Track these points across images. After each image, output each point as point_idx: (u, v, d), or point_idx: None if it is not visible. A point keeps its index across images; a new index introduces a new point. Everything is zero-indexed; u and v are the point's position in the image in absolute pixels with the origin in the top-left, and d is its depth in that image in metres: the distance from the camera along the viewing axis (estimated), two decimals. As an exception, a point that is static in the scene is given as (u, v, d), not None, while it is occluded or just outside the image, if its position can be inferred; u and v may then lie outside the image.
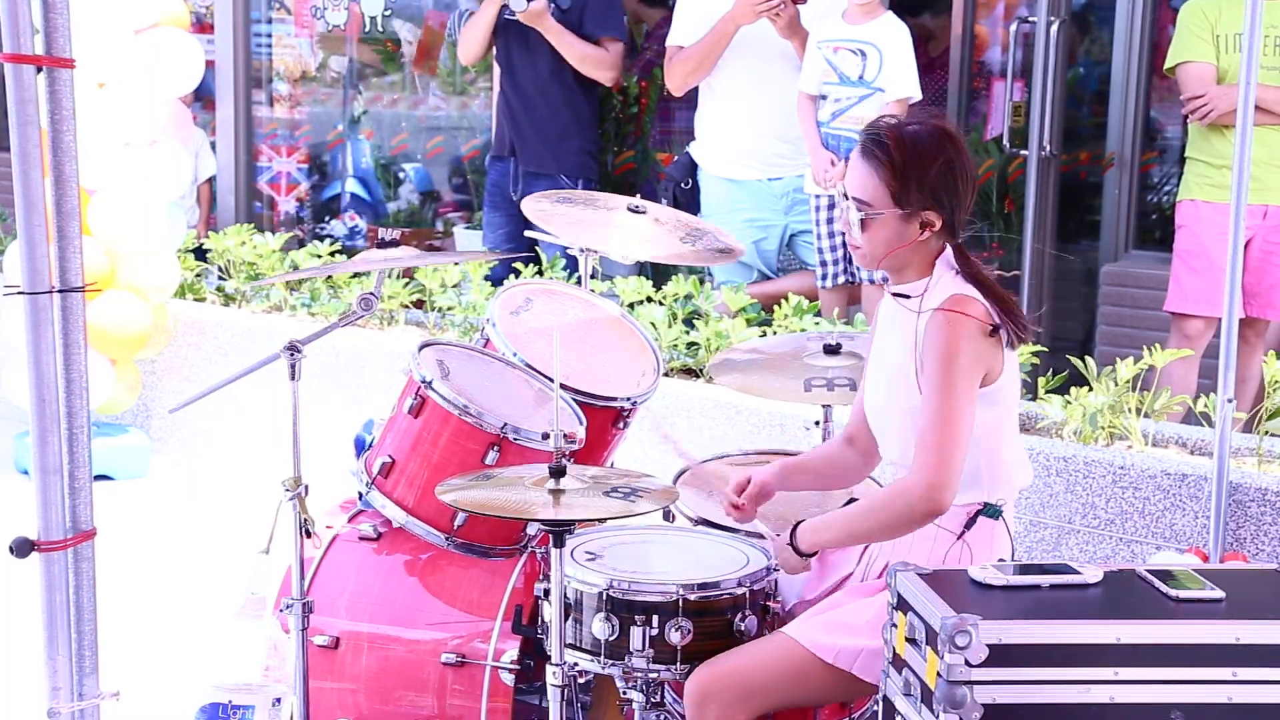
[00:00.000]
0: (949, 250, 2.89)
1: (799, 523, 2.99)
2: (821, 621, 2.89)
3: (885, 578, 2.93)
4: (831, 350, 3.71)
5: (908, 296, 2.91)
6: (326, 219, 8.49)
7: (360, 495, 3.59)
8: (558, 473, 2.85)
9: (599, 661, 2.95)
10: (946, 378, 2.75)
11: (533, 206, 4.10)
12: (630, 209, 4.05)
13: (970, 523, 2.89)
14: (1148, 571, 2.55)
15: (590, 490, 2.86)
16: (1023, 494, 4.40)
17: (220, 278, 6.69)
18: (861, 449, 3.15)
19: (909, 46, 5.46)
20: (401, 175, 8.56)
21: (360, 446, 3.74)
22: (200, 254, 6.76)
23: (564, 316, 3.90)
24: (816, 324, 5.12)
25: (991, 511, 2.89)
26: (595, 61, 6.13)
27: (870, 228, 2.86)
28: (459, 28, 6.79)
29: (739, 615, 2.94)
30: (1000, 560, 2.86)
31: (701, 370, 5.25)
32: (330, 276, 6.31)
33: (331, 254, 6.37)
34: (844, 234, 4.46)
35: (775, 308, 5.28)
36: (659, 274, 6.30)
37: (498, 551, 3.43)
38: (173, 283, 6.15)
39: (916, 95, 5.45)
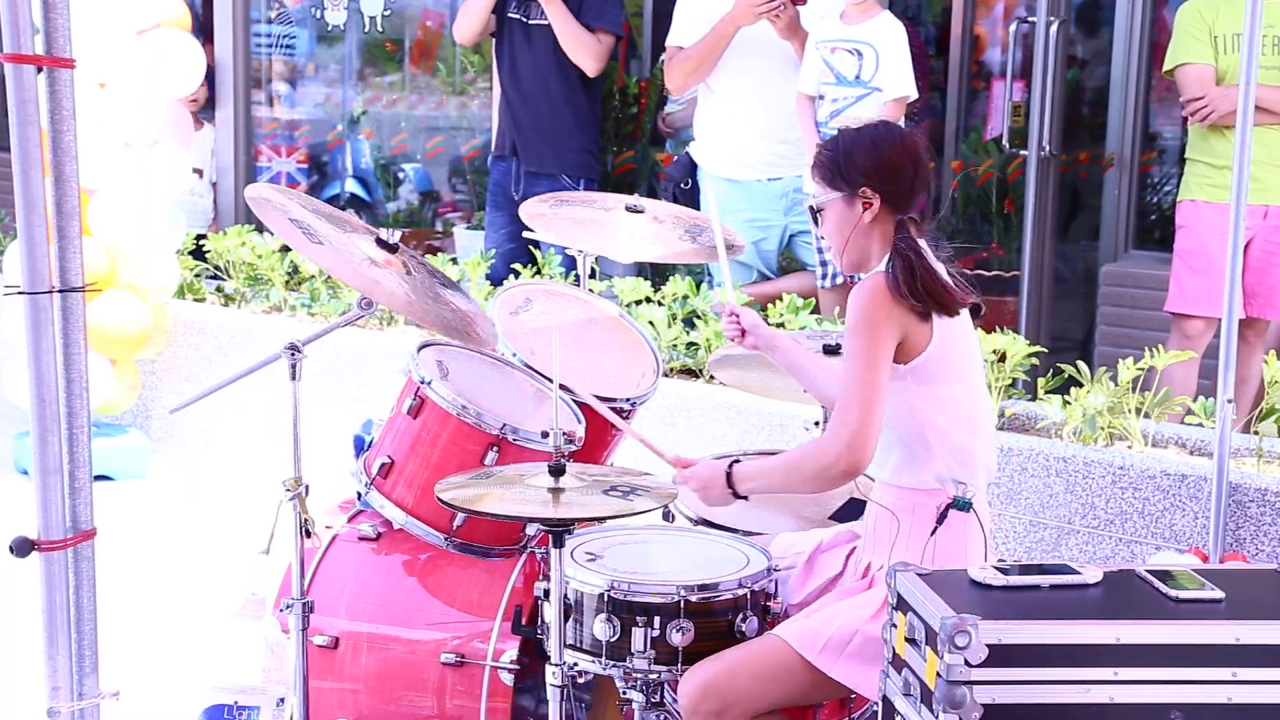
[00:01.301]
0: (893, 244, 2.94)
1: (735, 461, 3.06)
2: (808, 622, 2.91)
3: (872, 579, 2.95)
4: (831, 350, 3.71)
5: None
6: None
7: (359, 495, 3.59)
8: (557, 471, 2.85)
9: (600, 662, 2.95)
10: (853, 342, 2.86)
11: (530, 210, 4.10)
12: (628, 208, 4.05)
13: (941, 518, 2.90)
14: (1147, 572, 2.55)
15: (589, 489, 2.86)
16: (1023, 494, 4.40)
17: (219, 278, 6.69)
18: None
19: (905, 46, 5.46)
20: (401, 175, 8.56)
21: (359, 446, 3.74)
22: (200, 254, 6.76)
23: (563, 317, 3.90)
24: (818, 323, 5.12)
25: (961, 504, 2.91)
26: (584, 47, 6.11)
27: (823, 221, 3.03)
28: None
29: (740, 616, 2.94)
30: (986, 561, 2.87)
31: (701, 370, 5.25)
32: (330, 276, 6.31)
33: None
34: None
35: (770, 306, 5.29)
36: (658, 274, 6.30)
37: (497, 552, 3.43)
38: (173, 283, 6.15)
39: (913, 94, 5.46)
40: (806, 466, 2.91)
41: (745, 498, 3.04)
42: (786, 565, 3.16)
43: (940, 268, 2.94)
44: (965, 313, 2.96)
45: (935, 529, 2.91)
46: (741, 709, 2.87)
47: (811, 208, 3.05)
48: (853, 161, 2.96)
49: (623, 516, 2.88)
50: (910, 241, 2.92)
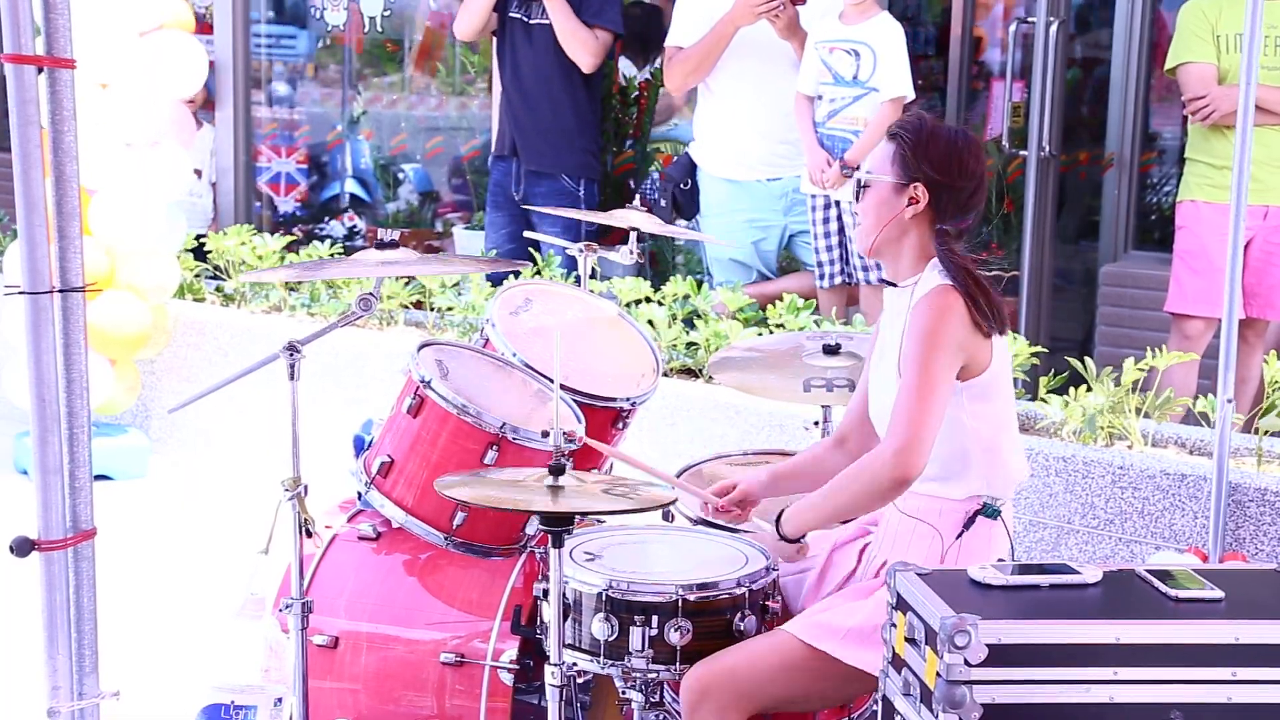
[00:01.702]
0: (938, 255, 2.93)
1: (781, 512, 3.04)
2: (820, 618, 2.90)
3: (884, 577, 2.94)
4: (831, 350, 3.72)
5: (897, 287, 3.00)
6: (326, 219, 8.49)
7: (359, 495, 3.59)
8: (557, 471, 2.85)
9: (598, 662, 2.95)
10: (923, 353, 2.81)
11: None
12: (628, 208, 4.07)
13: (969, 523, 2.90)
14: (1147, 571, 2.55)
15: (589, 490, 2.86)
16: (1022, 494, 4.40)
17: (219, 278, 6.69)
18: (852, 450, 3.16)
19: (903, 46, 5.47)
20: (401, 175, 8.56)
21: (359, 446, 3.74)
22: (200, 254, 6.77)
23: (563, 317, 3.90)
24: (817, 323, 5.12)
25: (990, 511, 2.90)
26: (581, 42, 6.11)
27: (866, 195, 2.99)
28: None
29: (738, 615, 2.94)
30: (999, 560, 2.87)
31: (701, 370, 5.25)
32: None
33: (331, 255, 6.37)
34: (841, 234, 4.50)
35: (770, 306, 5.29)
36: (658, 274, 6.31)
37: (497, 551, 3.43)
38: (172, 283, 6.16)
39: (910, 95, 5.46)
40: (856, 486, 2.87)
41: (800, 539, 3.03)
42: (803, 567, 3.15)
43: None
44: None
45: (962, 533, 2.91)
46: (744, 707, 2.86)
47: (859, 180, 3.01)
48: (922, 154, 2.92)
49: (623, 513, 2.88)
50: (965, 260, 2.89)
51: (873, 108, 5.40)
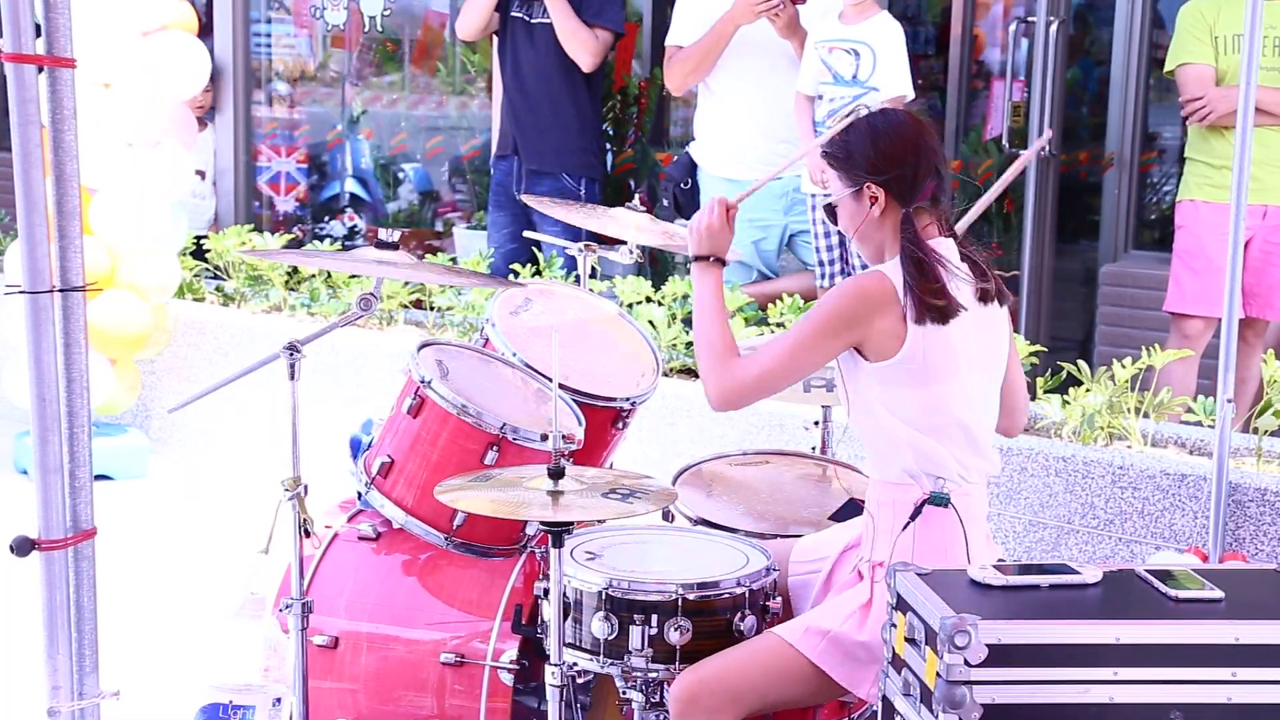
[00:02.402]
0: (900, 238, 2.94)
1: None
2: (806, 620, 2.92)
3: (859, 573, 2.95)
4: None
5: None
6: (326, 219, 8.49)
7: (359, 495, 3.59)
8: (556, 474, 2.85)
9: (598, 661, 2.95)
10: (809, 322, 2.92)
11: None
12: (627, 206, 4.06)
13: (916, 512, 2.90)
14: (1147, 571, 2.55)
15: (589, 491, 2.86)
16: (1022, 494, 4.40)
17: (219, 278, 6.70)
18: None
19: (903, 46, 5.47)
20: (401, 175, 8.56)
21: (355, 447, 3.74)
22: (199, 254, 6.77)
23: (563, 316, 3.90)
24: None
25: (937, 499, 2.90)
26: (581, 42, 6.11)
27: (838, 215, 3.06)
28: None
29: (738, 615, 2.95)
30: (1000, 561, 2.87)
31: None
32: (330, 276, 6.32)
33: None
34: (841, 234, 4.44)
35: (771, 305, 5.29)
36: (658, 274, 6.31)
37: (497, 551, 3.43)
38: (173, 283, 6.16)
39: (910, 94, 5.46)
40: (709, 359, 3.02)
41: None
42: (811, 569, 3.15)
43: (953, 264, 2.92)
44: (976, 310, 2.93)
45: (908, 523, 2.90)
46: (733, 711, 2.86)
47: (826, 206, 3.06)
48: (853, 156, 2.97)
49: (623, 518, 2.88)
50: (921, 243, 2.90)
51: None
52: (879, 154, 2.94)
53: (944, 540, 2.91)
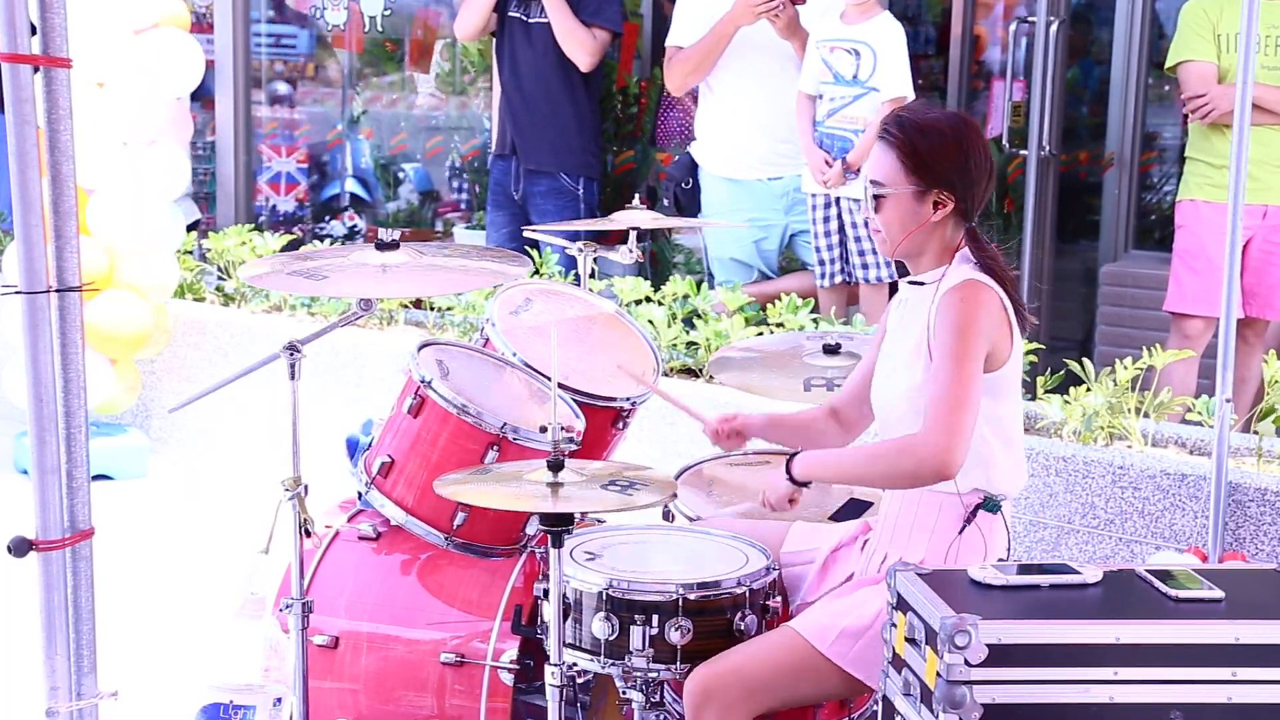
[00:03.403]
0: (966, 246, 2.93)
1: (795, 453, 3.05)
2: (821, 614, 2.90)
3: (885, 575, 2.94)
4: (831, 350, 3.72)
5: (922, 284, 2.96)
6: (326, 219, 8.49)
7: (359, 495, 3.59)
8: (555, 466, 2.85)
9: (598, 661, 2.95)
10: (959, 346, 2.79)
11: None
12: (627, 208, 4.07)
13: (971, 516, 2.89)
14: (1147, 571, 2.55)
15: (588, 484, 2.86)
16: (1023, 494, 4.40)
17: (220, 278, 6.69)
18: (843, 422, 3.23)
19: (904, 46, 5.47)
20: (401, 175, 8.56)
21: (352, 447, 3.74)
22: (200, 254, 6.77)
23: (563, 316, 3.90)
24: (815, 324, 5.12)
25: (991, 505, 2.90)
26: (578, 41, 6.11)
27: (884, 208, 2.93)
28: None
29: (739, 614, 2.94)
30: (1000, 560, 2.87)
31: (701, 370, 5.25)
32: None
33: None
34: (841, 233, 4.47)
35: (770, 305, 5.28)
36: (658, 274, 6.30)
37: (497, 551, 3.43)
38: (172, 282, 6.16)
39: (910, 95, 5.46)
40: (898, 462, 2.83)
41: (807, 484, 3.04)
42: (805, 560, 3.15)
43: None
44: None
45: (964, 528, 2.90)
46: (750, 705, 2.84)
47: (875, 194, 2.93)
48: (936, 158, 2.89)
49: (622, 511, 2.87)
50: (997, 254, 2.91)
51: (873, 107, 5.40)
52: (964, 159, 2.90)
53: (988, 545, 2.91)
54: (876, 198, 2.93)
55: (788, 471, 3.03)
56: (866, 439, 3.38)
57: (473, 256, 3.50)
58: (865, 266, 5.57)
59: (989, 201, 3.01)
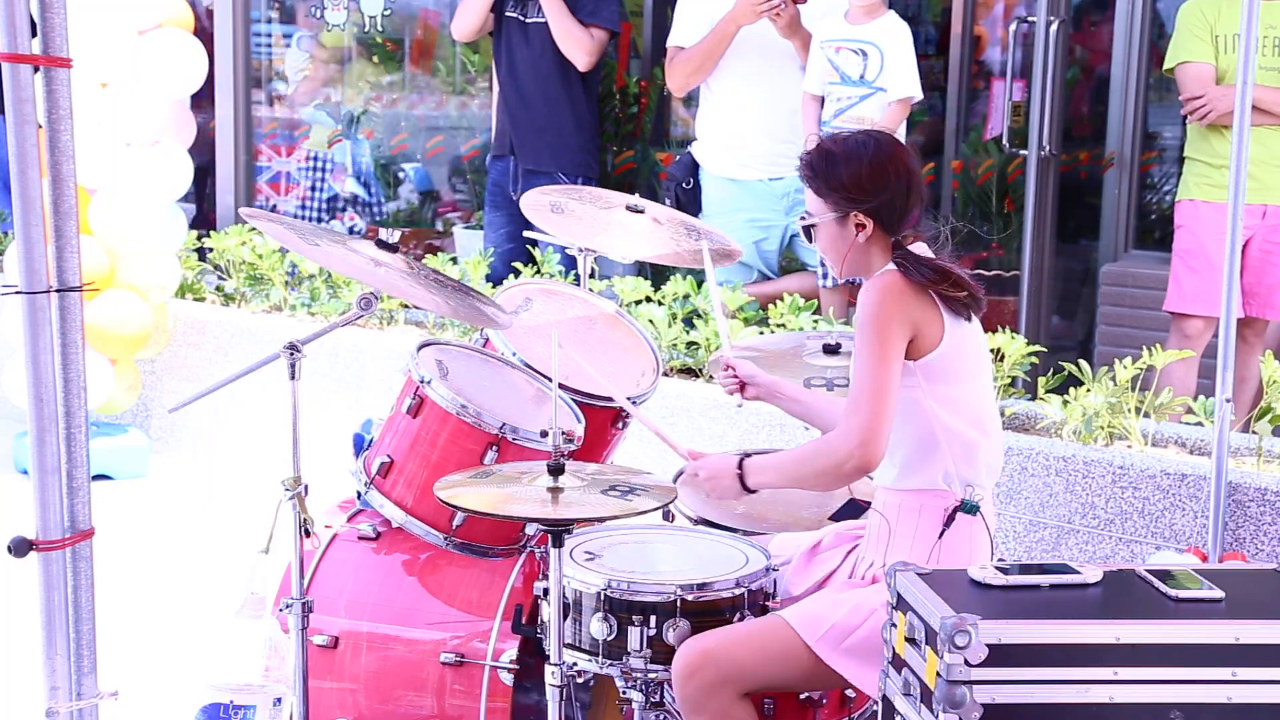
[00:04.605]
0: (895, 263, 2.94)
1: (746, 455, 3.08)
2: (812, 607, 2.92)
3: (876, 578, 2.95)
4: (831, 350, 3.72)
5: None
6: (326, 219, 8.49)
7: (359, 495, 3.59)
8: (556, 471, 2.85)
9: (597, 661, 2.95)
10: (864, 339, 2.85)
11: (531, 202, 4.08)
12: (629, 208, 4.05)
13: (949, 521, 2.90)
14: (1147, 571, 2.55)
15: (588, 488, 2.86)
16: (1023, 494, 4.40)
17: (220, 278, 6.69)
18: None
19: (910, 46, 5.46)
20: (401, 175, 8.56)
21: (359, 445, 3.74)
22: (200, 254, 6.77)
23: (563, 316, 3.90)
24: (815, 323, 5.12)
25: (969, 507, 2.91)
26: (576, 41, 6.11)
27: (816, 236, 3.03)
28: None
29: (737, 615, 2.94)
30: (989, 562, 2.87)
31: (701, 370, 5.25)
32: (330, 276, 6.31)
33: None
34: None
35: (771, 306, 5.28)
36: (658, 274, 6.30)
37: (497, 551, 3.43)
38: (173, 282, 6.16)
39: (918, 95, 5.46)
40: (818, 462, 2.90)
41: (754, 491, 3.04)
42: (783, 560, 3.16)
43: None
44: (975, 316, 2.97)
45: (943, 532, 2.91)
46: (735, 684, 2.86)
47: (805, 225, 3.04)
48: (842, 184, 2.95)
49: (622, 517, 2.87)
50: (928, 261, 2.92)
51: (880, 108, 5.40)
52: (870, 184, 2.93)
53: (970, 547, 2.92)
54: (806, 229, 3.03)
55: (740, 474, 3.04)
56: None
57: (457, 295, 3.47)
58: None
59: (927, 197, 3.03)
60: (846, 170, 2.94)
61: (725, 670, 2.85)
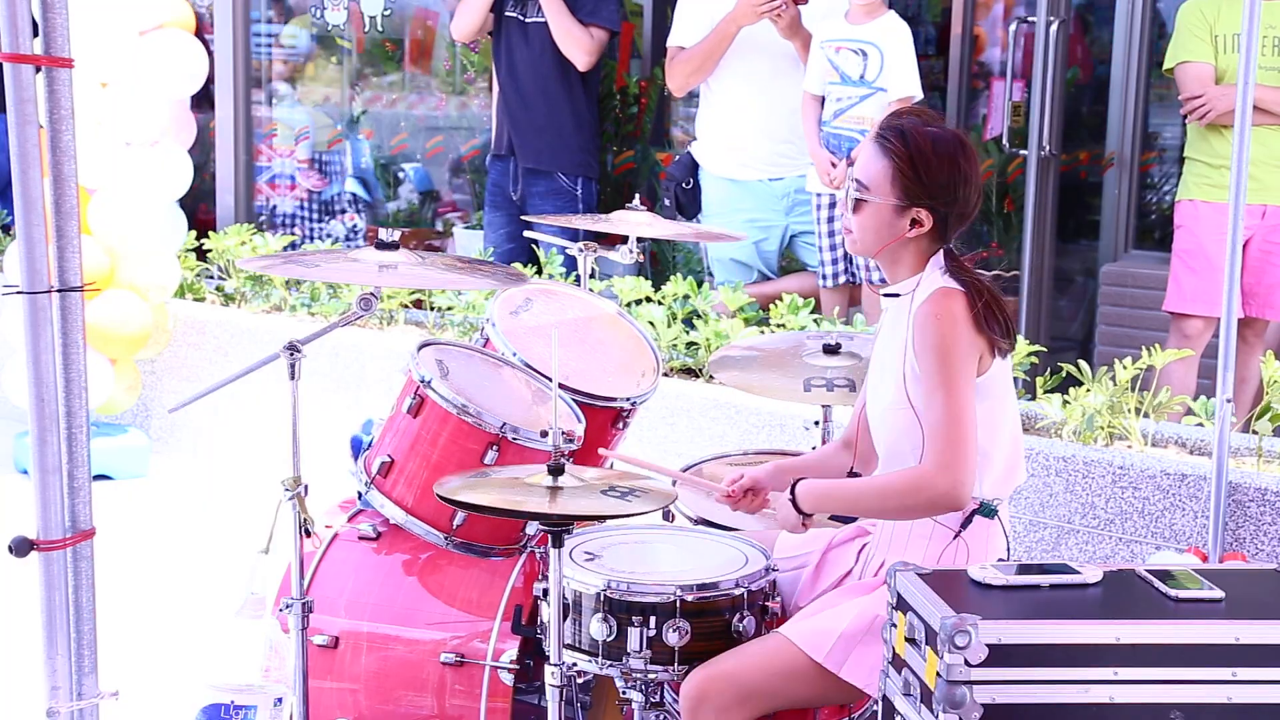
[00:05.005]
0: (948, 272, 2.89)
1: (798, 480, 2.99)
2: (815, 621, 2.90)
3: (884, 578, 2.94)
4: (831, 350, 3.71)
5: (898, 296, 2.94)
6: (326, 219, 8.49)
7: (359, 495, 3.59)
8: (555, 471, 2.85)
9: (597, 662, 2.95)
10: (946, 370, 2.77)
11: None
12: (627, 208, 4.06)
13: (966, 522, 2.89)
14: (1147, 571, 2.55)
15: (588, 489, 2.85)
16: (1023, 494, 4.40)
17: (220, 278, 6.69)
18: (859, 453, 3.16)
19: (911, 46, 5.47)
20: (401, 175, 8.56)
21: (356, 447, 3.74)
22: (200, 254, 6.77)
23: (563, 316, 3.90)
24: (816, 323, 5.12)
25: (987, 510, 2.89)
26: (576, 40, 6.11)
27: (862, 211, 2.90)
28: None
29: (737, 616, 2.94)
30: (1000, 560, 2.87)
31: (701, 370, 5.25)
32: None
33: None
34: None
35: (771, 306, 5.28)
36: (658, 274, 6.30)
37: (497, 551, 3.43)
38: (173, 282, 6.16)
39: (918, 95, 5.46)
40: (909, 499, 2.81)
41: (810, 515, 2.99)
42: (797, 565, 3.15)
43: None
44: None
45: (959, 532, 2.90)
46: (744, 711, 2.85)
47: (857, 196, 2.89)
48: (925, 178, 2.84)
49: (620, 517, 2.87)
50: (975, 275, 2.87)
51: (880, 107, 5.40)
52: (953, 181, 2.84)
53: (987, 549, 2.91)
54: (858, 200, 2.90)
55: (794, 502, 2.98)
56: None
57: (467, 271, 3.49)
58: (868, 267, 5.57)
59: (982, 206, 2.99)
60: (937, 166, 2.84)
61: (732, 698, 2.83)
